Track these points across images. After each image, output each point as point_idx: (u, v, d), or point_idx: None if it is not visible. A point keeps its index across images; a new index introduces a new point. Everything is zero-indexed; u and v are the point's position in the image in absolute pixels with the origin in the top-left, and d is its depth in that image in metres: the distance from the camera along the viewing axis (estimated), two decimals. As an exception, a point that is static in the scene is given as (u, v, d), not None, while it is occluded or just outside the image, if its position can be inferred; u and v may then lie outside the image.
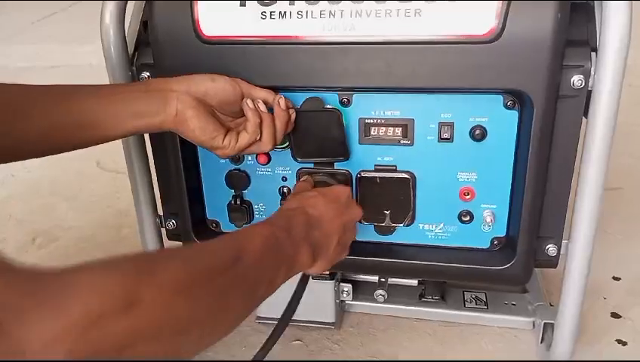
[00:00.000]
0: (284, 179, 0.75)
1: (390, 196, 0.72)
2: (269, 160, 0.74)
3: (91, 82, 0.62)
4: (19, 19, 3.25)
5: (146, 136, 0.78)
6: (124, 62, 0.72)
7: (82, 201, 1.37)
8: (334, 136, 0.70)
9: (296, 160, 0.72)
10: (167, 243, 0.85)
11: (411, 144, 0.69)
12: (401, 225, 0.73)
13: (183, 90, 0.61)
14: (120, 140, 0.75)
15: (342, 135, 0.70)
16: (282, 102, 0.65)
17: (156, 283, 0.37)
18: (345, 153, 0.71)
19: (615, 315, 0.92)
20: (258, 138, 0.64)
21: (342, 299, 0.91)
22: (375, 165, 0.72)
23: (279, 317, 0.65)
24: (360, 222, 0.71)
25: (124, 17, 0.72)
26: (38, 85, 0.58)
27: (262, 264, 0.49)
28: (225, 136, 0.63)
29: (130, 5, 0.73)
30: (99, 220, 1.27)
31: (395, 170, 0.71)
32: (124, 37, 0.72)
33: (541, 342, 0.83)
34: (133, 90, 0.62)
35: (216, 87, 0.63)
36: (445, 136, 0.68)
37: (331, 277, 0.85)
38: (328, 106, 0.69)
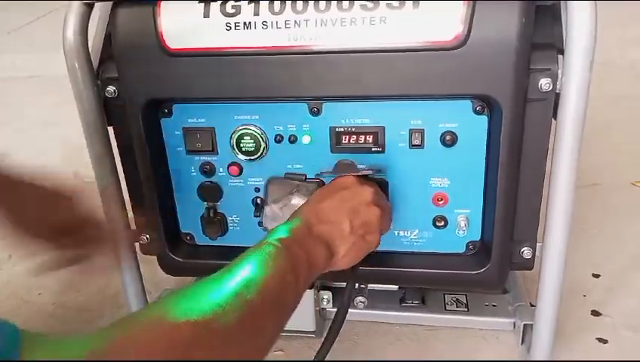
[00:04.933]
0: (257, 190, 0.74)
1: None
2: (241, 171, 0.73)
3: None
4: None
5: (115, 148, 0.76)
6: (90, 77, 0.71)
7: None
8: None
9: None
10: (142, 257, 0.83)
11: (383, 151, 0.69)
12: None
13: None
14: (87, 151, 0.74)
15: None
16: None
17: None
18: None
19: (595, 313, 0.92)
20: None
21: (322, 306, 0.90)
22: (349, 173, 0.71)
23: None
24: None
25: (87, 31, 0.70)
26: None
27: (282, 286, 0.51)
28: None
29: (93, 19, 0.71)
30: (77, 233, 1.25)
31: (368, 178, 0.70)
32: (88, 51, 0.71)
33: (522, 343, 0.83)
34: None
35: None
36: (416, 142, 0.67)
37: (311, 285, 0.85)
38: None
